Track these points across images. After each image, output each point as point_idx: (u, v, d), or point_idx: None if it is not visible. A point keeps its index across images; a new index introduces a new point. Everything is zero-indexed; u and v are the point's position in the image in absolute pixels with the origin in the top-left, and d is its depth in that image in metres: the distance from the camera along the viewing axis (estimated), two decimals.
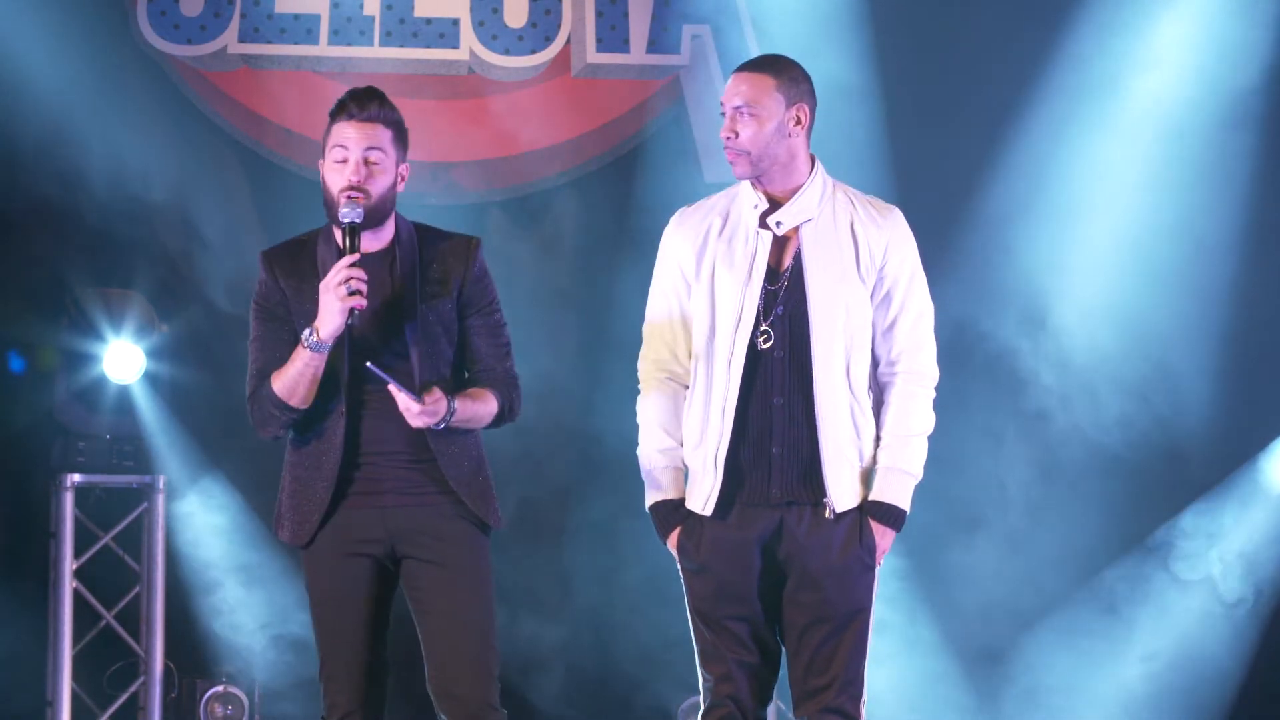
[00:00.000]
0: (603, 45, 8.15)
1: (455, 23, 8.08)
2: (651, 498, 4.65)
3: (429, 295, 4.51)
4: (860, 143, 7.79)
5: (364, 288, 4.36)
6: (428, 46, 8.05)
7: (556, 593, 7.92)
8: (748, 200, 4.61)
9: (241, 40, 8.00)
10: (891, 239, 4.62)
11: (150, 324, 7.61)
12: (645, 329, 4.70)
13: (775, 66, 4.59)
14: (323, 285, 4.38)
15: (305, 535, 4.52)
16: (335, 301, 4.35)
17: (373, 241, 4.51)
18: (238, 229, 8.01)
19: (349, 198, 4.44)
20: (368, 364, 4.36)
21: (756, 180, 4.61)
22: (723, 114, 4.57)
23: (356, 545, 4.50)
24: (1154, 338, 7.92)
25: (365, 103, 4.50)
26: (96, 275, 7.74)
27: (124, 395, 7.57)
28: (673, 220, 4.71)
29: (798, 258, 4.55)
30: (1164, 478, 7.94)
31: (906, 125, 7.98)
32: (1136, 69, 7.93)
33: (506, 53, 8.10)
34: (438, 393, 4.40)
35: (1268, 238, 7.98)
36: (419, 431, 4.47)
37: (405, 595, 4.57)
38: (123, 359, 7.52)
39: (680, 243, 4.64)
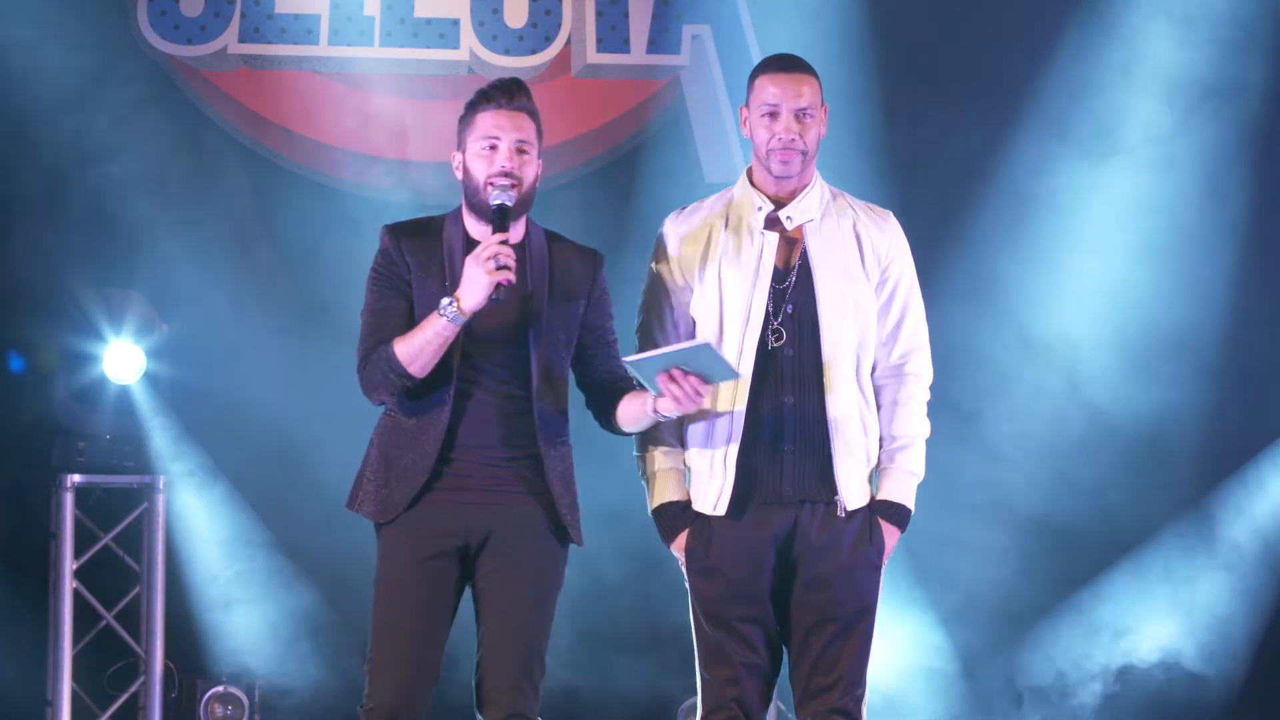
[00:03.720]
0: (603, 45, 8.15)
1: (455, 23, 8.08)
2: (656, 500, 4.64)
3: (557, 298, 4.52)
4: (859, 143, 7.79)
5: (513, 264, 4.35)
6: (428, 46, 8.06)
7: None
8: (749, 200, 4.61)
9: (241, 40, 8.01)
10: (893, 241, 4.66)
11: (150, 324, 7.60)
12: (641, 332, 4.68)
13: (812, 68, 4.59)
14: (470, 257, 4.35)
15: (391, 513, 4.45)
16: (483, 275, 4.32)
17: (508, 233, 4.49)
18: (238, 229, 8.01)
19: (499, 184, 4.45)
20: (706, 341, 4.33)
21: (755, 181, 4.60)
22: (770, 114, 4.52)
23: (436, 540, 4.45)
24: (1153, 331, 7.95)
25: (514, 93, 4.53)
26: (96, 275, 7.74)
27: (124, 395, 7.56)
28: (668, 223, 4.70)
29: (804, 256, 4.56)
30: (1159, 482, 7.96)
31: (905, 125, 7.98)
32: (1133, 73, 7.95)
33: (506, 53, 8.10)
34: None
35: (1266, 243, 8.00)
36: (516, 430, 4.47)
37: (472, 590, 4.54)
38: (123, 359, 7.51)
39: (681, 245, 4.63)
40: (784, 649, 4.63)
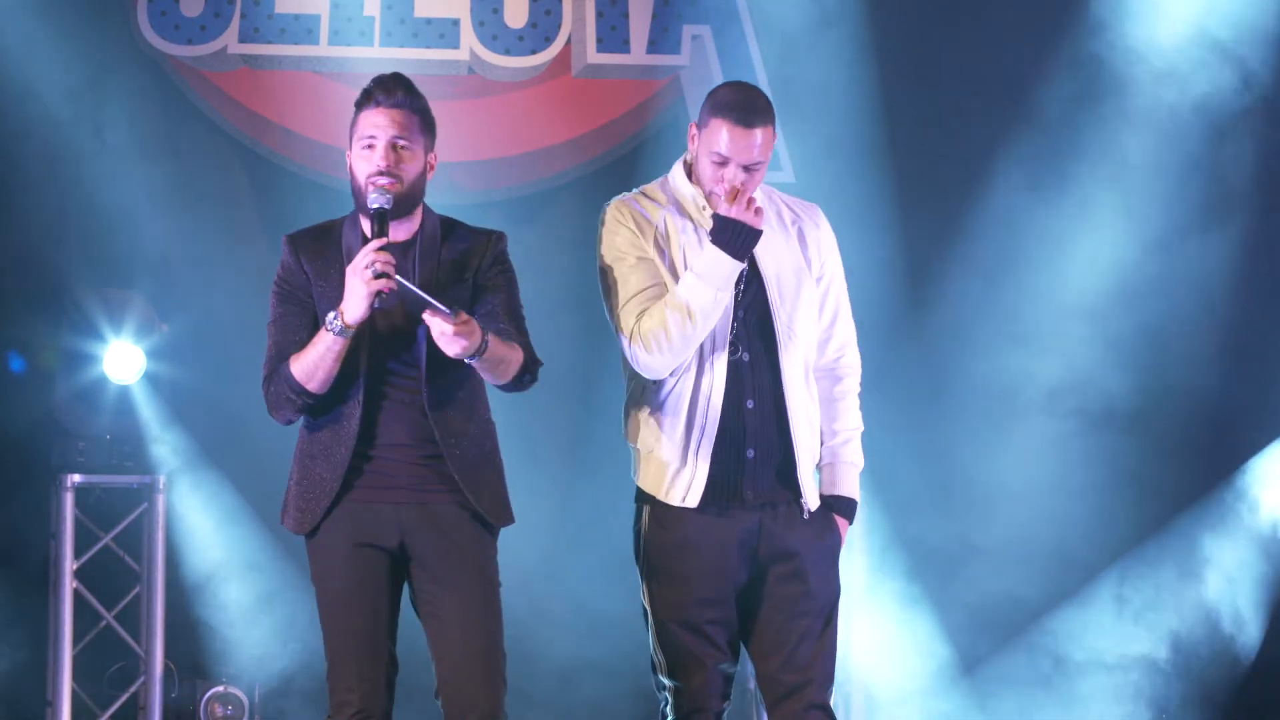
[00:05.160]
0: (603, 45, 8.15)
1: (455, 23, 8.08)
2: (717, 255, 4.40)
3: (445, 284, 4.46)
4: (858, 142, 7.80)
5: (392, 270, 4.29)
6: (428, 46, 8.05)
7: (553, 593, 7.91)
8: (689, 196, 4.56)
9: (242, 40, 8.00)
10: (828, 236, 4.65)
11: (150, 324, 7.60)
12: (623, 295, 4.49)
13: (770, 110, 4.49)
14: (349, 269, 4.32)
15: (309, 524, 4.45)
16: (361, 286, 4.28)
17: (398, 231, 4.45)
18: (238, 229, 8.01)
19: (377, 184, 4.39)
20: (398, 279, 4.25)
21: (695, 178, 4.56)
22: (720, 162, 4.44)
23: (368, 538, 4.43)
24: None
25: (392, 89, 4.47)
26: (96, 275, 7.74)
27: (124, 395, 7.56)
28: (615, 209, 4.56)
29: (753, 263, 4.52)
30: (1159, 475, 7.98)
31: (905, 124, 7.99)
32: (1130, 71, 7.97)
33: (507, 53, 8.10)
34: (469, 318, 4.29)
35: (1265, 242, 8.03)
36: (429, 427, 4.42)
37: (410, 596, 4.52)
38: (123, 359, 7.51)
39: (638, 230, 4.52)
40: (743, 648, 4.59)
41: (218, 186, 8.03)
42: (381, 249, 4.30)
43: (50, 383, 7.59)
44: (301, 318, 4.47)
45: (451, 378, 4.46)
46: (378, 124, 4.44)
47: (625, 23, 8.15)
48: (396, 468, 4.44)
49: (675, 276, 4.48)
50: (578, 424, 7.93)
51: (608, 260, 4.54)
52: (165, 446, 7.70)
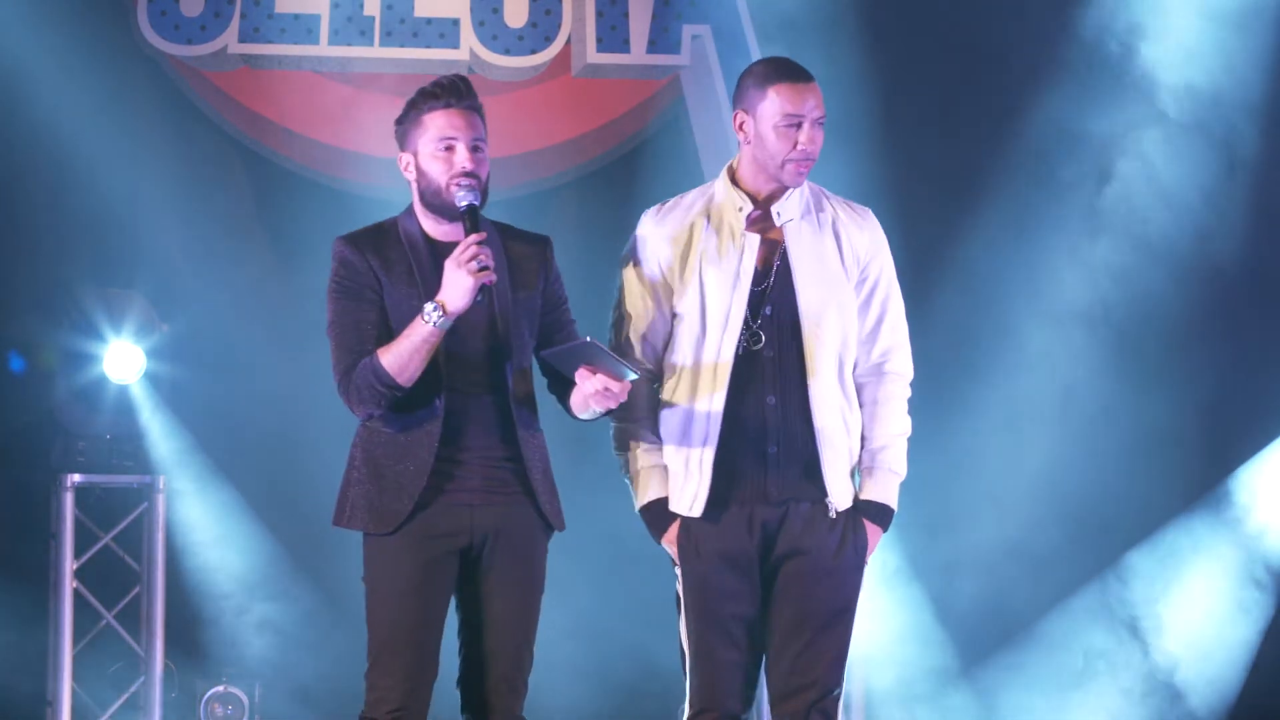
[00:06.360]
0: (603, 45, 8.15)
1: (455, 23, 8.08)
2: (642, 498, 4.64)
3: (517, 289, 4.52)
4: (857, 142, 7.79)
5: (492, 263, 4.35)
6: (428, 46, 8.06)
7: (556, 595, 7.90)
8: (730, 201, 4.59)
9: (242, 40, 8.01)
10: (873, 239, 4.66)
11: (150, 324, 7.60)
12: (617, 326, 4.66)
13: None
14: (450, 261, 4.33)
15: (391, 523, 4.42)
16: (466, 278, 4.31)
17: (459, 232, 4.46)
18: (238, 229, 8.01)
19: (462, 184, 4.43)
20: (589, 339, 4.34)
21: (738, 180, 4.60)
22: (794, 125, 4.49)
23: (442, 540, 4.44)
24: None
25: (465, 92, 4.51)
26: (96, 275, 7.74)
27: (124, 395, 7.57)
28: (648, 220, 4.66)
29: (784, 257, 4.55)
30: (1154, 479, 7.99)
31: (906, 124, 7.99)
32: (1138, 61, 8.00)
33: (507, 53, 8.11)
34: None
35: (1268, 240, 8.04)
36: (507, 429, 4.47)
37: (459, 589, 4.52)
38: (123, 359, 7.52)
39: (662, 243, 4.60)
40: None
41: (217, 186, 8.04)
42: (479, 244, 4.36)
43: (50, 383, 7.59)
44: (372, 313, 4.47)
45: (527, 383, 4.53)
46: (457, 126, 4.47)
47: (625, 22, 8.15)
48: (473, 469, 4.46)
49: (689, 285, 4.55)
50: (581, 425, 7.92)
51: (621, 273, 4.68)
52: (165, 446, 7.70)
